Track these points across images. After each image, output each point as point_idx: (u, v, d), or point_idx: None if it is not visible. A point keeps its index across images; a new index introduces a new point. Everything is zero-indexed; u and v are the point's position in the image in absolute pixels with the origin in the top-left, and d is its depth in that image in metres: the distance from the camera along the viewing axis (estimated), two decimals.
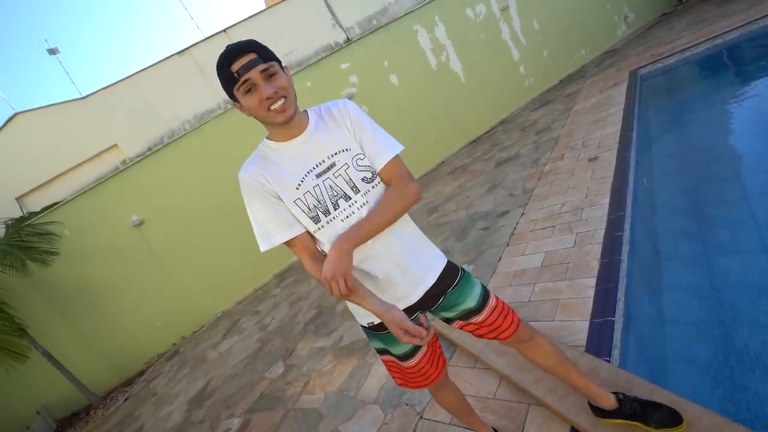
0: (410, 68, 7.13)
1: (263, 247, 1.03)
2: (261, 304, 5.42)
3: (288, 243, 1.03)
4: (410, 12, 7.11)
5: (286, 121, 0.99)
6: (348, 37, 6.89)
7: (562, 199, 3.23)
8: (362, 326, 1.20)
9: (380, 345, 1.21)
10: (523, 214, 3.39)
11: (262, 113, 0.97)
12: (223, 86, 0.98)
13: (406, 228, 1.13)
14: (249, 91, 0.95)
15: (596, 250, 2.33)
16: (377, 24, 7.04)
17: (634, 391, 1.39)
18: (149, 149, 5.90)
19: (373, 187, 1.05)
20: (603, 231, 2.47)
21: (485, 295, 1.18)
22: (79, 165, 5.66)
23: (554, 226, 2.88)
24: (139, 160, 5.78)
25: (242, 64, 0.92)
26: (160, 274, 5.90)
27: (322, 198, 1.01)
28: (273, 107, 0.95)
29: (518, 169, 4.58)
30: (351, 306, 1.15)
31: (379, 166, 1.07)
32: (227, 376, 3.79)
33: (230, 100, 1.02)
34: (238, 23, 6.29)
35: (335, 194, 1.02)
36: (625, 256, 2.19)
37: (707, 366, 1.78)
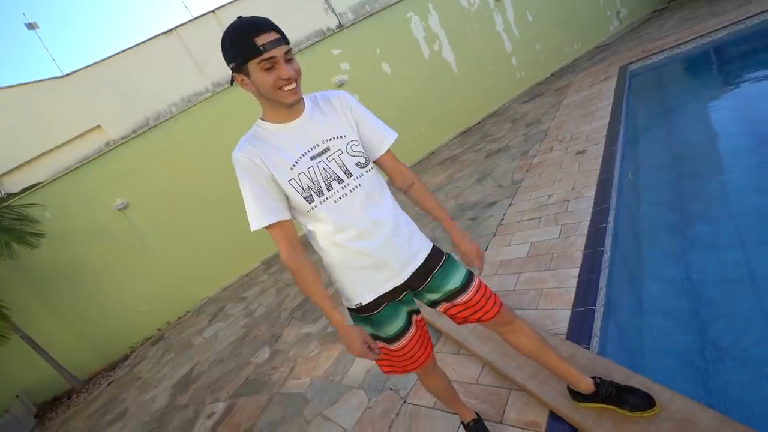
0: (403, 56, 7.07)
1: (251, 228, 1.06)
2: (248, 290, 5.40)
3: (268, 228, 1.05)
4: None
5: (295, 103, 1.02)
6: (340, 23, 6.77)
7: (549, 190, 3.26)
8: (349, 309, 1.22)
9: (367, 329, 1.22)
10: (510, 204, 3.42)
11: (273, 92, 0.99)
12: (232, 55, 0.97)
13: (399, 212, 1.19)
14: (269, 69, 0.95)
15: (580, 241, 2.37)
16: (370, 10, 6.93)
17: (612, 376, 1.43)
18: (134, 131, 5.76)
19: (366, 171, 1.11)
20: (588, 223, 2.51)
21: (469, 276, 1.22)
22: (61, 146, 5.49)
23: (540, 218, 2.92)
24: (124, 142, 5.64)
25: (270, 39, 0.94)
26: (146, 259, 5.82)
27: (315, 179, 1.05)
28: (287, 88, 0.98)
29: (507, 160, 4.61)
30: (340, 288, 1.18)
31: (381, 151, 1.19)
32: (212, 362, 3.79)
33: (233, 72, 1.01)
34: (227, 4, 6.13)
35: (329, 176, 1.06)
36: (608, 247, 2.23)
37: (682, 355, 1.85)
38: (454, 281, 1.19)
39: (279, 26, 0.99)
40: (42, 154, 5.43)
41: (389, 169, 1.25)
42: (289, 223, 1.07)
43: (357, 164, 1.09)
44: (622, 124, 3.79)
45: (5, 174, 5.37)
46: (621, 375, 1.43)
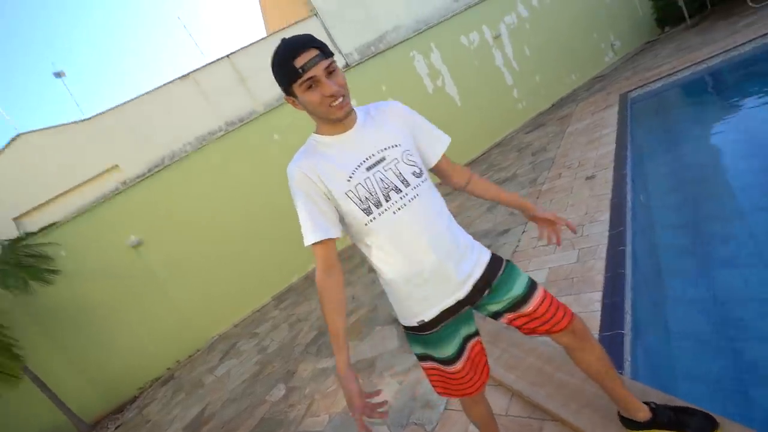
0: (407, 92, 7.33)
1: (305, 243, 1.04)
2: (259, 326, 5.33)
3: (313, 245, 1.03)
4: (407, 39, 7.38)
5: (344, 117, 1.01)
6: (347, 63, 7.10)
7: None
8: (405, 327, 1.18)
9: (421, 350, 1.19)
10: (524, 231, 3.43)
11: (323, 109, 0.99)
12: (280, 81, 0.99)
13: (454, 223, 1.15)
14: (311, 87, 0.96)
15: (600, 264, 2.36)
16: (375, 51, 7.28)
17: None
18: (149, 170, 5.93)
19: (423, 181, 1.08)
20: (605, 246, 2.51)
21: (532, 284, 1.16)
22: (79, 186, 5.65)
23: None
24: (139, 181, 5.79)
25: (307, 60, 0.93)
26: (157, 296, 5.81)
27: (373, 190, 1.02)
28: (334, 104, 0.98)
29: (516, 188, 4.66)
30: (398, 307, 1.15)
31: (437, 155, 1.21)
32: (225, 401, 3.68)
33: (283, 96, 1.04)
34: (240, 49, 6.47)
35: (386, 186, 1.03)
36: (628, 270, 2.22)
37: (716, 379, 1.79)
38: (516, 289, 1.13)
39: (320, 40, 0.98)
40: (61, 194, 5.58)
41: (447, 169, 1.26)
42: (333, 243, 1.05)
43: (413, 173, 1.06)
44: (628, 149, 3.86)
45: (25, 214, 5.50)
46: (661, 400, 1.39)
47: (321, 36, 6.89)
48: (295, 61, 0.94)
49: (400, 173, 1.05)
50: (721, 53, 5.21)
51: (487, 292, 1.13)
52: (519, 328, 1.17)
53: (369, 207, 1.02)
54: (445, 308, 1.10)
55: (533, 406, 1.72)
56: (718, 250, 2.46)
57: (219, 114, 6.27)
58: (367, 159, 1.04)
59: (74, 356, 5.39)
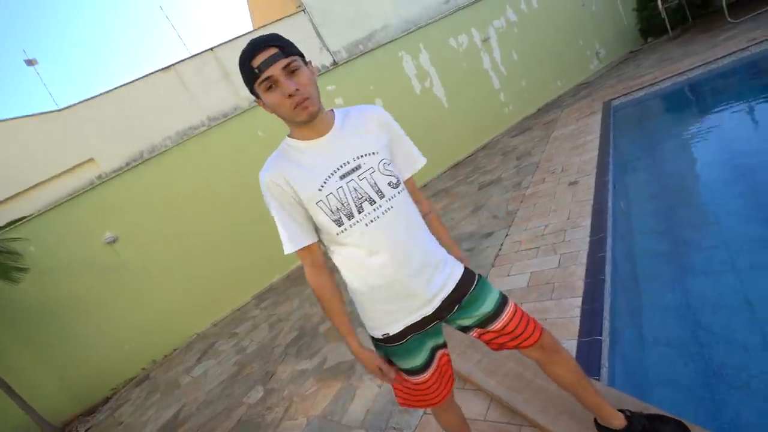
0: (395, 92, 7.31)
1: (285, 251, 1.04)
2: (239, 326, 5.23)
3: (296, 252, 1.03)
4: (396, 39, 7.36)
5: (309, 119, 0.97)
6: (335, 61, 7.03)
7: (544, 221, 3.31)
8: (373, 338, 1.16)
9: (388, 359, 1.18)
10: (507, 235, 3.44)
11: (285, 110, 0.95)
12: (245, 82, 0.96)
13: (429, 236, 1.13)
14: (270, 88, 0.92)
15: (580, 270, 2.38)
16: (363, 49, 7.24)
17: (628, 408, 1.39)
18: (127, 164, 5.75)
19: (399, 192, 1.04)
20: (586, 252, 2.53)
21: (502, 300, 1.14)
22: (52, 179, 5.43)
23: (538, 247, 2.94)
24: (117, 175, 5.60)
25: (263, 59, 0.90)
26: (132, 294, 5.63)
27: (345, 201, 0.98)
28: (296, 104, 0.94)
29: (501, 192, 4.69)
30: (364, 317, 1.13)
31: (409, 172, 1.16)
32: (201, 402, 3.59)
33: (253, 97, 1.03)
34: (225, 43, 6.33)
35: (359, 197, 0.99)
36: (608, 276, 2.24)
37: (690, 385, 1.82)
38: (486, 306, 1.11)
39: (287, 39, 0.94)
40: (32, 187, 5.36)
41: (409, 190, 1.21)
42: (315, 246, 1.04)
43: (389, 184, 1.02)
44: (610, 155, 3.92)
45: None
46: (637, 407, 1.40)
47: (308, 32, 6.82)
48: (252, 61, 0.91)
49: (375, 183, 1.01)
50: (701, 65, 5.35)
51: (456, 308, 1.12)
52: (487, 343, 1.16)
53: (340, 218, 0.99)
54: (411, 324, 1.08)
55: (512, 411, 1.72)
56: (693, 257, 2.52)
57: (201, 108, 6.12)
58: (341, 166, 1.00)
59: (44, 356, 5.18)
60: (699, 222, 2.81)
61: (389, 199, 1.02)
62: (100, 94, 5.65)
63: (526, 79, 8.65)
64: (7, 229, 5.08)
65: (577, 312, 2.05)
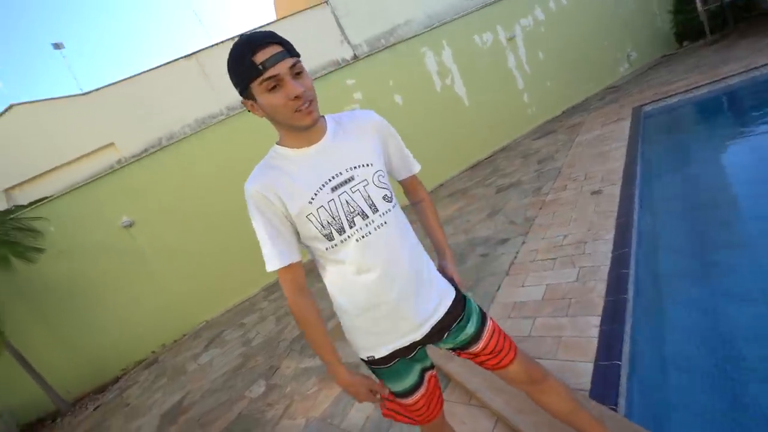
0: (415, 89, 7.18)
1: (267, 268, 0.97)
2: (247, 316, 5.25)
3: (278, 270, 0.96)
4: (419, 34, 7.20)
5: (312, 124, 0.90)
6: (355, 54, 6.94)
7: (564, 230, 3.16)
8: (361, 359, 1.11)
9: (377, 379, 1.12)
10: (523, 243, 3.31)
11: (286, 114, 0.87)
12: (236, 80, 0.87)
13: (422, 254, 1.06)
14: (274, 88, 0.84)
15: (600, 286, 2.25)
16: (385, 43, 7.12)
17: None
18: (146, 150, 5.81)
19: (393, 206, 0.98)
20: (607, 267, 2.40)
21: (482, 319, 1.11)
22: (73, 161, 5.54)
23: (556, 258, 2.81)
24: (135, 161, 5.68)
25: (269, 55, 0.82)
26: (146, 278, 5.72)
27: (337, 214, 0.92)
28: (301, 109, 0.86)
29: (519, 196, 4.54)
30: (350, 337, 1.07)
31: (406, 173, 1.14)
32: (206, 391, 3.61)
33: (240, 99, 0.92)
34: (247, 32, 6.32)
35: (351, 210, 0.92)
36: (630, 295, 2.11)
37: (713, 420, 1.69)
38: (469, 327, 1.08)
39: (284, 38, 0.87)
40: (54, 169, 5.48)
41: (408, 186, 1.20)
42: (298, 265, 0.97)
43: (384, 197, 0.96)
44: (638, 165, 3.73)
45: (16, 186, 5.39)
46: None
47: (330, 25, 6.74)
48: (255, 57, 0.82)
49: (368, 196, 0.94)
50: (743, 72, 5.04)
51: (446, 335, 1.07)
52: (467, 358, 1.13)
53: (331, 233, 0.92)
54: (398, 348, 1.02)
55: None
56: (725, 281, 2.35)
57: (221, 98, 6.14)
58: (333, 178, 0.93)
59: (59, 334, 5.32)
60: (733, 243, 2.62)
61: (383, 214, 0.95)
62: (124, 80, 5.72)
63: (551, 80, 8.37)
64: (30, 208, 5.21)
65: (595, 332, 1.93)
